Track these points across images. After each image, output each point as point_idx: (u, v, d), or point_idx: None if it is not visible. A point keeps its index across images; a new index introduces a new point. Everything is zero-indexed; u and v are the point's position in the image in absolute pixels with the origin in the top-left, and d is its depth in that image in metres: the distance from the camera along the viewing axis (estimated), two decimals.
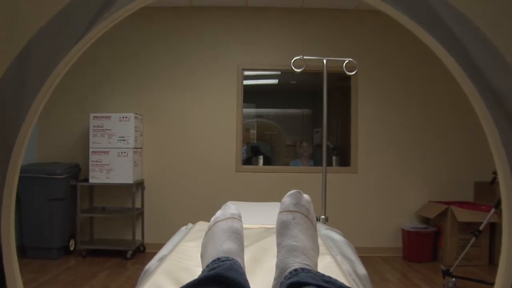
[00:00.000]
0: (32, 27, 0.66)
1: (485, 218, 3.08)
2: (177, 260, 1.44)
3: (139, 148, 4.14)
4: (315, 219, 1.09)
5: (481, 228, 3.07)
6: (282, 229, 1.03)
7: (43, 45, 0.67)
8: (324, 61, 2.82)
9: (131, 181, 3.91)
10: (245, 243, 1.14)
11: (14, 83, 0.67)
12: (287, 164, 5.19)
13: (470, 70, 0.62)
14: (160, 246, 1.83)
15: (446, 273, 3.10)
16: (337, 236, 1.90)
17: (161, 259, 1.52)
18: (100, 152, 3.91)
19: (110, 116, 3.93)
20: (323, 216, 2.75)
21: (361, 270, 1.61)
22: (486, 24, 0.60)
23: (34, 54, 0.67)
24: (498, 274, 0.70)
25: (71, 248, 4.07)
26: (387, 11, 0.70)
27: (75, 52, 0.71)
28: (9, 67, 0.66)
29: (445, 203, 3.96)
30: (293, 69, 2.79)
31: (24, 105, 0.69)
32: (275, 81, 5.66)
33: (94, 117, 3.94)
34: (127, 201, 4.17)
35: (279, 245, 1.02)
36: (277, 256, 1.01)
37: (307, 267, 0.92)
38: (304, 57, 2.76)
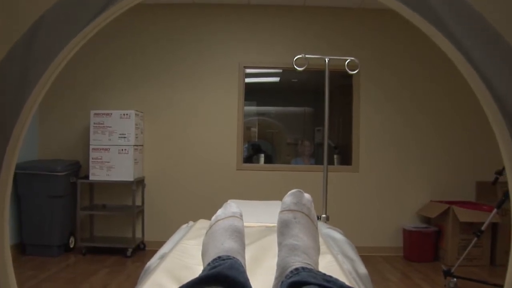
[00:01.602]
0: (36, 11, 0.65)
1: (487, 218, 3.07)
2: (178, 258, 1.44)
3: (140, 145, 4.13)
4: (316, 218, 1.09)
5: (483, 228, 3.06)
6: (283, 228, 1.03)
7: (47, 29, 0.67)
8: (326, 60, 2.81)
9: (131, 179, 3.90)
10: (246, 241, 1.13)
11: (17, 65, 0.67)
12: (288, 162, 5.18)
13: (481, 69, 0.61)
14: (160, 244, 1.83)
15: (447, 273, 3.09)
16: (338, 235, 1.90)
17: (162, 257, 1.52)
18: (100, 149, 3.90)
19: (111, 113, 3.92)
20: (324, 215, 2.74)
21: (362, 269, 1.60)
22: (499, 20, 0.58)
23: (39, 38, 0.66)
24: (508, 274, 0.69)
25: (71, 246, 4.07)
26: (398, 9, 0.68)
27: (80, 39, 0.70)
28: (12, 48, 0.65)
29: (446, 202, 3.94)
30: (295, 68, 2.78)
31: (26, 87, 0.68)
32: (276, 79, 5.65)
33: (95, 114, 3.93)
34: (127, 198, 4.17)
35: (280, 244, 1.02)
36: (278, 255, 1.01)
37: (308, 266, 0.92)
38: (306, 56, 2.75)
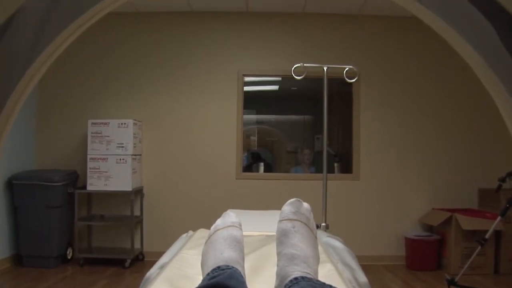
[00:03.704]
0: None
1: (490, 226, 3.04)
2: (177, 268, 1.44)
3: (138, 155, 4.11)
4: (315, 227, 1.11)
5: (487, 236, 3.03)
6: (282, 237, 1.04)
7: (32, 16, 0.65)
8: (325, 68, 2.80)
9: (129, 189, 3.88)
10: (245, 250, 1.14)
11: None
12: (288, 171, 5.16)
13: (504, 74, 0.59)
14: (159, 254, 1.81)
15: (451, 282, 3.05)
16: (338, 244, 1.89)
17: (162, 267, 1.52)
18: (98, 159, 3.88)
19: (109, 123, 3.91)
20: (323, 224, 2.72)
21: (362, 278, 1.60)
22: None
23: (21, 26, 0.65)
24: None
25: (69, 257, 4.02)
26: (420, 13, 0.66)
27: (73, 29, 0.68)
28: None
29: (448, 210, 3.91)
30: (294, 76, 2.78)
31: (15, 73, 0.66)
32: (275, 87, 5.66)
33: (93, 123, 3.92)
34: (125, 208, 4.13)
35: (279, 253, 1.03)
36: (278, 265, 1.01)
37: (308, 276, 0.93)
38: (305, 65, 2.75)
